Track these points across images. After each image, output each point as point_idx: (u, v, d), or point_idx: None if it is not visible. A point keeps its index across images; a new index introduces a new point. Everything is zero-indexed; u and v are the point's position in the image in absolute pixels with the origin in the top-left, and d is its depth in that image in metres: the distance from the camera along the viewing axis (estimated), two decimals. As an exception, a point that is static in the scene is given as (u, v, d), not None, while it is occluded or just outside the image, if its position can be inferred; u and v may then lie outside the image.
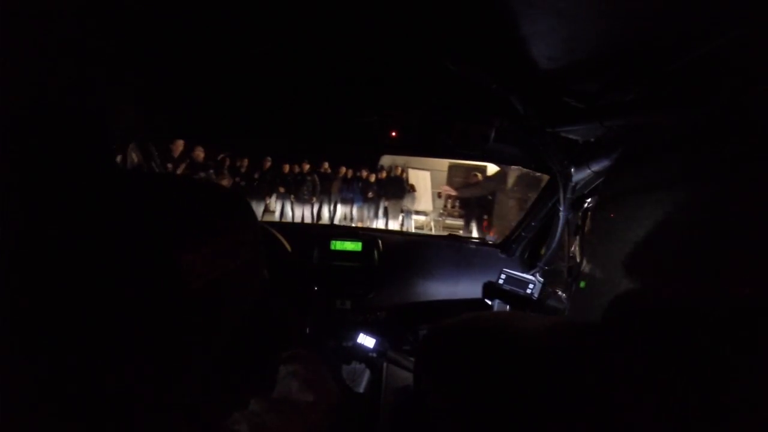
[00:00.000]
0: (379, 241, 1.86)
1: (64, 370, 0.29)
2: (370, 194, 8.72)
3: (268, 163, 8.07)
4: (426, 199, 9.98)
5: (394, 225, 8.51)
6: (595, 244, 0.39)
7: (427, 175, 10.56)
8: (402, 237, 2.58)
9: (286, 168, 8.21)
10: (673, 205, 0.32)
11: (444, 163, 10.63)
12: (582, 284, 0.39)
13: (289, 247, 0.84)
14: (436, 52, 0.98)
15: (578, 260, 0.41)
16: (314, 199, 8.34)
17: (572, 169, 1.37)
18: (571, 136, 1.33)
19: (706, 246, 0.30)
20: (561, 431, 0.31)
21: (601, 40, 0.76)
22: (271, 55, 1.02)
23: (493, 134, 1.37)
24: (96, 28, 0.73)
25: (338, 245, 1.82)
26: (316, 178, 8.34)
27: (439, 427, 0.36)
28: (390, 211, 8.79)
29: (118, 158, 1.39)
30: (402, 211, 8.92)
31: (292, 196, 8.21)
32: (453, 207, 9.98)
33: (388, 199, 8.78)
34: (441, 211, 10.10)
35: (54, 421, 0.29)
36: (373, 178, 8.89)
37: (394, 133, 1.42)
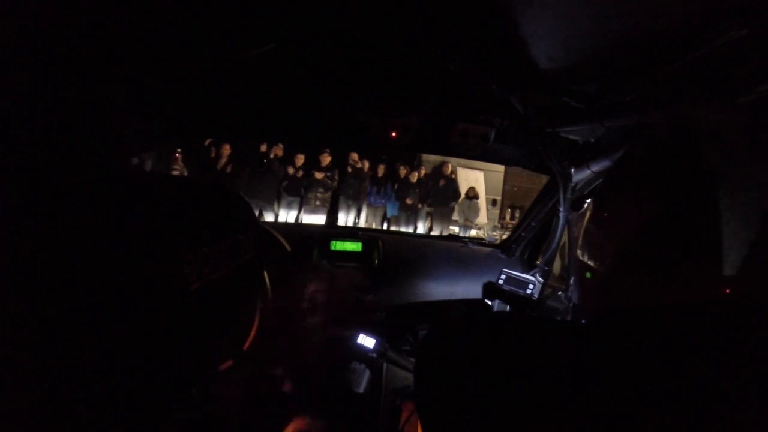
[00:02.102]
0: (379, 242, 1.86)
1: (63, 371, 0.29)
2: (408, 200, 6.23)
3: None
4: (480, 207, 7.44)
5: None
6: (595, 235, 0.41)
7: (480, 176, 8.08)
8: (402, 237, 2.58)
9: (299, 159, 5.80)
10: (663, 206, 0.34)
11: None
12: (588, 275, 0.40)
13: (288, 247, 0.84)
14: (437, 53, 0.98)
15: (580, 252, 0.42)
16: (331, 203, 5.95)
17: (572, 170, 1.37)
18: (571, 137, 1.33)
19: (690, 246, 0.32)
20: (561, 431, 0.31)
21: (601, 40, 0.76)
22: (272, 55, 1.02)
23: (493, 134, 1.37)
24: (100, 30, 0.74)
25: (338, 245, 1.82)
26: (336, 177, 5.92)
27: (439, 427, 0.36)
28: (434, 221, 6.46)
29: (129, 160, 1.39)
30: (459, 226, 6.61)
31: (301, 192, 5.88)
32: (513, 219, 7.69)
33: (434, 207, 6.47)
34: (496, 224, 8.03)
35: (53, 421, 0.29)
36: (415, 177, 6.30)
37: (394, 133, 1.42)
